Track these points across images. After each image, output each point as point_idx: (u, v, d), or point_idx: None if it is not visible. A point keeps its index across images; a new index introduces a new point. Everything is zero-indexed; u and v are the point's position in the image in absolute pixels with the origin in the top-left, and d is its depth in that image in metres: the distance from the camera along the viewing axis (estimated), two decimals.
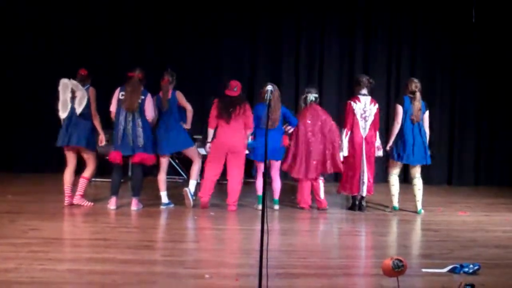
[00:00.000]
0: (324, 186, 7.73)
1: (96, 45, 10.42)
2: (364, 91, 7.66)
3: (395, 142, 7.57)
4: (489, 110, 11.19)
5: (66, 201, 7.25)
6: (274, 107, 7.28)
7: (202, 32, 10.71)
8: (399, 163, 7.64)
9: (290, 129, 7.62)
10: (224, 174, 7.58)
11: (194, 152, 7.64)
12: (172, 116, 7.35)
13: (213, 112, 7.38)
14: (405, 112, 7.47)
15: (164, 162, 7.50)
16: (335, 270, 4.85)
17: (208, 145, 7.49)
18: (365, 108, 7.56)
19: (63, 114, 7.12)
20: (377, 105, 7.67)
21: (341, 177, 7.88)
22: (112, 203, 7.17)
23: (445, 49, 11.14)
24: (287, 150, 7.65)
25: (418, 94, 7.48)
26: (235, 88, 7.39)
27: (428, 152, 7.61)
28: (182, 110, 7.44)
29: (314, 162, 7.52)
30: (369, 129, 7.55)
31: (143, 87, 7.13)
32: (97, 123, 7.25)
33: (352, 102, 7.61)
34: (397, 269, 3.53)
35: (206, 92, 9.89)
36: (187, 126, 7.48)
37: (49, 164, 10.15)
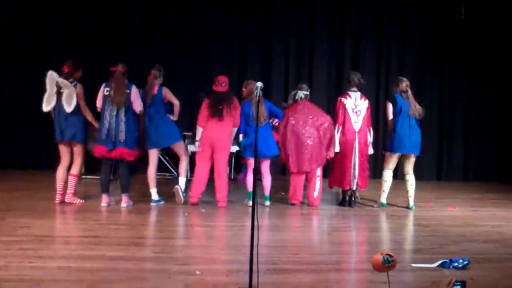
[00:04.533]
0: (321, 184, 7.73)
1: (86, 42, 10.36)
2: (354, 88, 7.70)
3: (389, 136, 7.64)
4: (478, 107, 11.27)
5: (57, 198, 7.21)
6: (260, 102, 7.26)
7: (191, 30, 10.69)
8: (394, 158, 7.68)
9: (276, 122, 7.65)
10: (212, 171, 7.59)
11: (182, 148, 7.63)
12: (158, 111, 7.34)
13: (203, 111, 7.38)
14: (399, 108, 7.54)
15: (153, 156, 7.48)
16: (326, 266, 4.86)
17: (197, 143, 7.47)
18: (356, 103, 7.61)
19: (46, 108, 7.06)
20: (367, 101, 7.72)
21: (332, 171, 7.90)
22: (103, 201, 7.15)
23: (434, 46, 11.20)
24: (279, 144, 7.66)
25: (410, 92, 7.55)
26: (223, 84, 7.40)
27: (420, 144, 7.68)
28: (169, 104, 7.44)
29: (310, 155, 7.53)
30: (362, 123, 7.59)
31: (127, 80, 7.11)
32: (89, 117, 7.22)
33: (342, 98, 7.66)
34: (387, 264, 3.54)
35: (196, 90, 9.87)
36: (174, 118, 7.47)
37: (37, 161, 10.11)
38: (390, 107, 7.63)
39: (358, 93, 7.68)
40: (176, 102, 7.42)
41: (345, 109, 7.59)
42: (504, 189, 9.99)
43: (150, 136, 7.34)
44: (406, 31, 11.22)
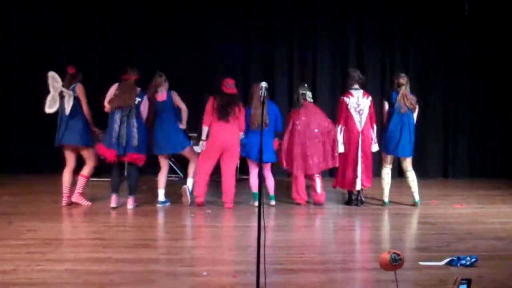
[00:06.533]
0: (321, 181, 7.72)
1: (89, 45, 10.37)
2: (356, 85, 7.67)
3: (384, 136, 7.63)
4: (483, 103, 11.22)
5: (64, 201, 7.24)
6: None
7: (194, 31, 10.68)
8: (389, 156, 7.67)
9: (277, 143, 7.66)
10: (218, 171, 7.58)
11: (190, 151, 7.65)
12: (169, 116, 7.39)
13: (208, 109, 7.38)
14: (392, 107, 7.52)
15: (164, 162, 7.54)
16: (333, 265, 4.86)
17: (202, 143, 7.46)
18: (358, 102, 7.58)
19: (48, 110, 7.08)
20: (370, 98, 7.68)
21: (336, 172, 7.88)
22: (113, 201, 7.16)
23: (438, 43, 11.15)
24: (280, 149, 7.66)
25: (403, 88, 7.51)
26: (233, 85, 7.42)
27: (413, 146, 7.65)
28: (178, 109, 7.46)
29: (314, 159, 7.53)
30: (365, 122, 7.57)
31: (140, 89, 7.14)
32: (89, 120, 7.24)
33: (345, 98, 7.63)
34: (395, 263, 3.54)
35: (200, 91, 9.89)
36: (183, 126, 7.51)
37: (43, 165, 10.13)
38: (386, 106, 7.63)
39: (361, 91, 7.66)
40: (184, 107, 7.46)
41: (347, 109, 7.56)
42: (511, 185, 9.94)
43: (158, 142, 7.37)
44: (409, 28, 11.17)
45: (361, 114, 7.57)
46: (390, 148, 7.58)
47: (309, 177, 7.71)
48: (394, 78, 7.69)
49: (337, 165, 7.66)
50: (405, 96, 7.48)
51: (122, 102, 6.98)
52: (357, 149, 7.54)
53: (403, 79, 7.54)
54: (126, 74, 7.14)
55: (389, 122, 7.55)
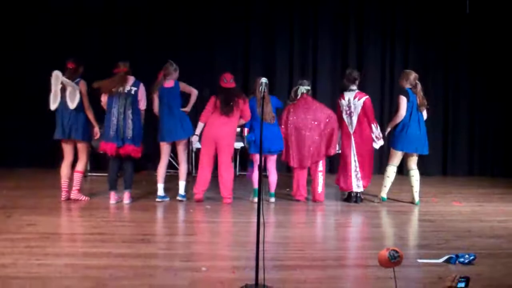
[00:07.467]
0: (323, 179, 7.71)
1: (90, 40, 10.36)
2: (352, 86, 7.62)
3: (399, 132, 7.53)
4: (483, 101, 11.21)
5: (63, 195, 7.24)
6: (266, 101, 7.25)
7: (195, 26, 10.66)
8: (399, 154, 7.63)
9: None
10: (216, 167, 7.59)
11: (184, 148, 7.62)
12: (176, 102, 7.39)
13: (209, 107, 7.38)
14: (410, 104, 7.44)
15: (166, 151, 7.50)
16: (332, 262, 4.87)
17: (195, 137, 7.52)
18: (348, 104, 7.55)
19: (53, 106, 7.10)
20: (363, 98, 7.54)
21: (337, 170, 7.88)
22: (112, 198, 7.17)
23: (439, 41, 11.13)
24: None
25: (419, 86, 7.51)
26: (231, 80, 7.41)
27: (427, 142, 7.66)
28: (183, 97, 7.51)
29: (310, 150, 7.53)
30: (357, 124, 7.54)
31: (134, 78, 7.13)
32: (90, 116, 7.23)
33: (339, 101, 7.68)
34: (393, 260, 3.54)
35: (200, 91, 9.87)
36: (188, 109, 7.54)
37: (43, 159, 10.11)
38: (404, 102, 7.41)
39: (354, 93, 7.57)
40: (194, 90, 7.53)
41: (341, 111, 7.61)
42: (510, 183, 9.94)
43: (169, 128, 7.35)
44: (410, 25, 11.15)
45: (352, 116, 7.54)
46: (409, 145, 7.51)
47: (310, 173, 7.71)
48: (408, 75, 7.54)
49: (333, 153, 7.66)
50: (422, 99, 7.49)
51: (110, 87, 6.96)
52: (350, 151, 7.56)
53: (413, 78, 7.51)
54: (116, 68, 7.13)
55: (409, 119, 7.44)
